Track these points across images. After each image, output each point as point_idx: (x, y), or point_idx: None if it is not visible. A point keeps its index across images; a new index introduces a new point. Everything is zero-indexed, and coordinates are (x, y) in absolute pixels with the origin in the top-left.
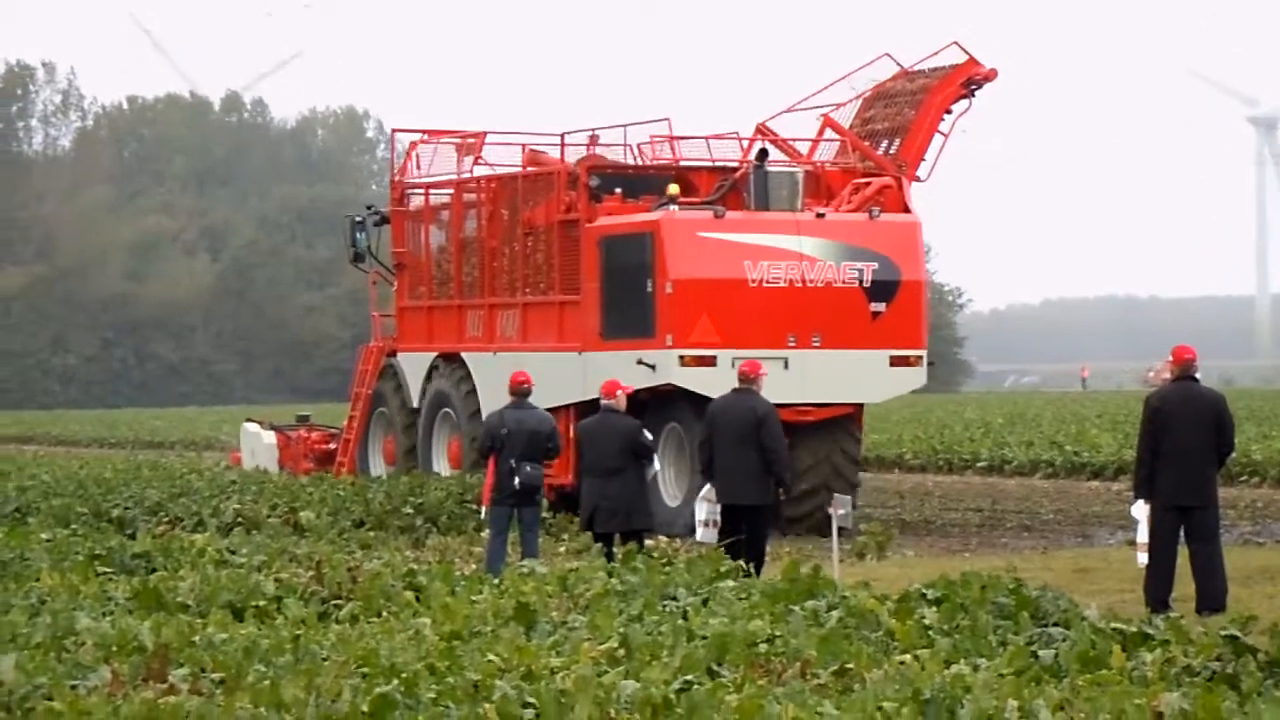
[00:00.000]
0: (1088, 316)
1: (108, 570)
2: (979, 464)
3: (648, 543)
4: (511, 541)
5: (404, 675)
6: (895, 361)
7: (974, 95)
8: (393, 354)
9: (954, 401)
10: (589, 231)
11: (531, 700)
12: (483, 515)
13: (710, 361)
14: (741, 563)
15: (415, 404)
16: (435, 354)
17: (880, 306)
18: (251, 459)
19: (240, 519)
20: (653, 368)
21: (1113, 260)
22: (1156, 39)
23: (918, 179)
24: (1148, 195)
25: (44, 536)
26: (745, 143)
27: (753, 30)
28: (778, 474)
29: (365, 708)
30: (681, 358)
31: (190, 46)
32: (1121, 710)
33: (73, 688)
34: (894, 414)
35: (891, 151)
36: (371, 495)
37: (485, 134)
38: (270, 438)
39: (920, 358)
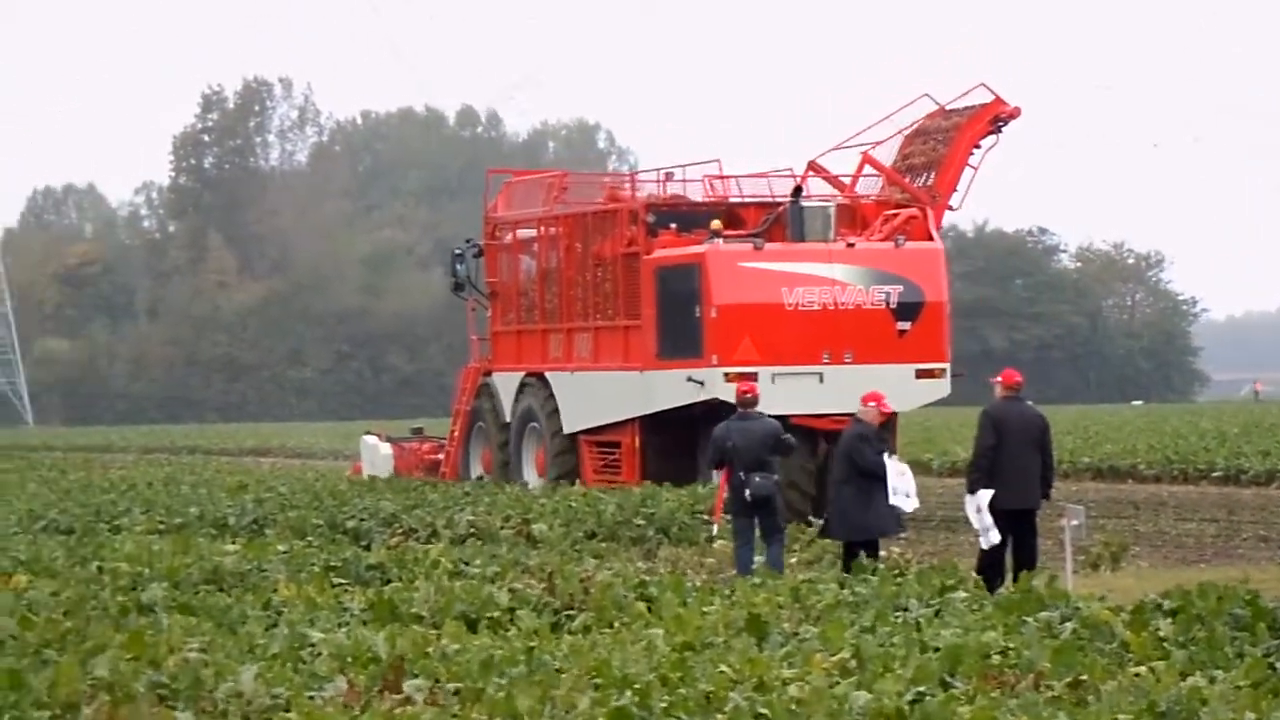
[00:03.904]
0: None
1: (343, 581)
2: (1214, 474)
3: (882, 553)
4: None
5: (636, 686)
6: (920, 374)
7: (1001, 131)
8: (488, 374)
9: (1189, 411)
10: (646, 263)
11: (764, 711)
12: (714, 530)
13: (752, 378)
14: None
15: (507, 419)
16: (524, 373)
17: (906, 325)
18: (371, 468)
19: (473, 530)
20: (701, 384)
21: None
22: None
23: (950, 208)
24: None
25: (280, 548)
26: (798, 178)
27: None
28: (1052, 477)
29: (600, 719)
30: (726, 374)
31: (421, 59)
32: None
33: (310, 698)
34: (1128, 424)
35: (928, 184)
36: (603, 507)
37: (567, 174)
38: (387, 449)
39: (943, 370)
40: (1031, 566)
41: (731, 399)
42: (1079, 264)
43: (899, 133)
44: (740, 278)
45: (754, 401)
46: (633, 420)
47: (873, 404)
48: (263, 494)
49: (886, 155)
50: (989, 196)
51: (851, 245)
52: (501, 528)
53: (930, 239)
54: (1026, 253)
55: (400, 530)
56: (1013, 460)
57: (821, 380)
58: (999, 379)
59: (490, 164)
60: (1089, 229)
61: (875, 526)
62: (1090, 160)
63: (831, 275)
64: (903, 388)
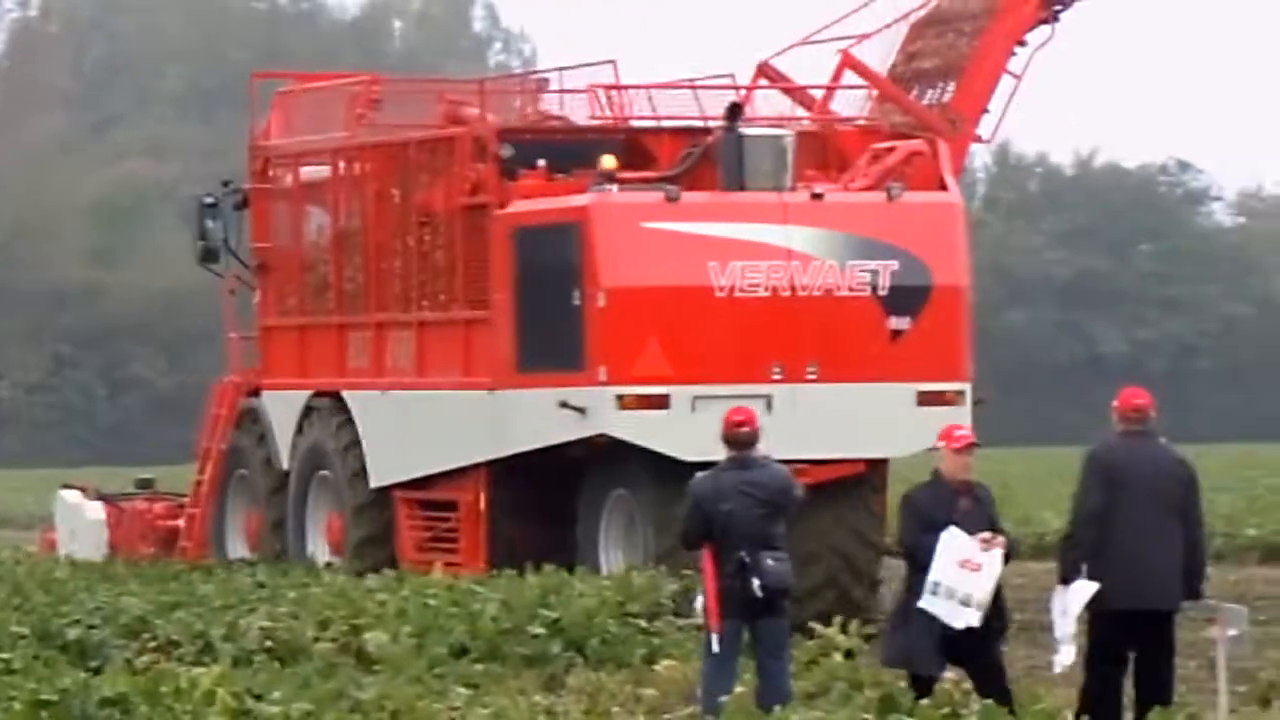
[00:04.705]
0: None
1: None
2: None
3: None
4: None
5: None
6: (925, 399)
7: (1057, 19)
8: (255, 393)
9: None
10: (500, 220)
11: None
12: (715, 646)
13: (660, 402)
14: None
15: (284, 464)
16: (310, 393)
17: (903, 323)
18: (71, 542)
19: (270, 643)
20: (581, 412)
21: None
22: None
23: (978, 139)
24: None
25: None
26: (740, 90)
27: None
28: (1202, 561)
29: None
30: (619, 398)
31: None
32: None
33: None
34: None
35: (943, 100)
36: (480, 606)
37: (378, 79)
38: (96, 512)
39: (961, 393)
40: (1165, 701)
41: (627, 436)
42: (1241, 219)
43: (900, 19)
44: (644, 246)
45: (753, 439)
46: (478, 467)
47: (941, 444)
48: None
49: (879, 55)
50: (1098, 116)
51: (819, 196)
52: (316, 639)
53: (943, 187)
54: (1157, 202)
55: (153, 644)
56: (1136, 533)
57: (770, 407)
58: (1115, 403)
59: (299, 51)
60: (1256, 165)
61: (902, 653)
62: (1252, 60)
63: (787, 243)
64: (899, 420)
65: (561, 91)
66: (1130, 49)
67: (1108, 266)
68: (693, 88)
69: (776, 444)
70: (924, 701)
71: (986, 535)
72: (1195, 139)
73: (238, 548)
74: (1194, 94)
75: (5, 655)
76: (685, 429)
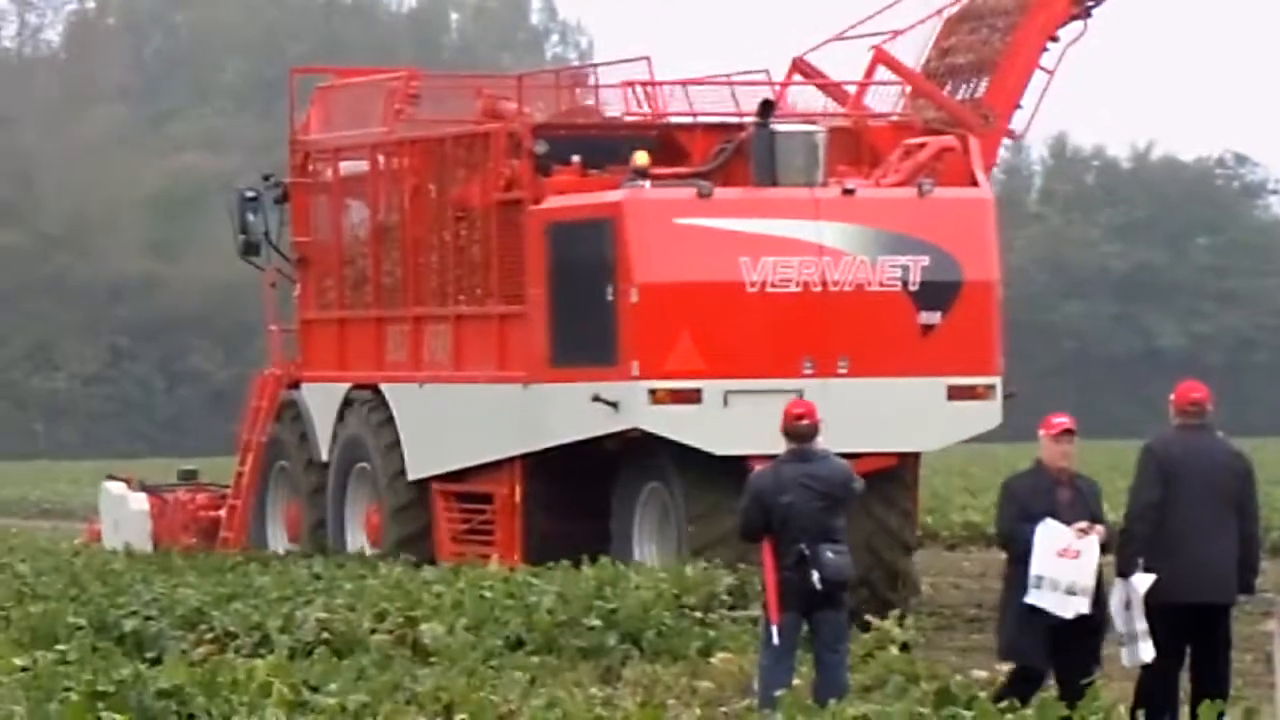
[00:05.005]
0: None
1: (119, 716)
2: None
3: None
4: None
5: None
6: (955, 393)
7: (1089, 15)
8: (295, 385)
9: None
10: (534, 216)
11: None
12: (774, 638)
13: (692, 397)
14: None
15: (324, 456)
16: (349, 386)
17: (933, 317)
18: (115, 532)
19: (327, 634)
20: (614, 406)
21: None
22: None
23: (1011, 134)
24: None
25: (17, 663)
26: (774, 86)
27: None
28: (1256, 555)
29: None
30: (652, 392)
31: None
32: None
33: None
34: None
35: (975, 96)
36: (536, 598)
37: (417, 75)
38: (140, 502)
39: (991, 388)
40: (1222, 695)
41: (660, 430)
42: None
43: (934, 14)
44: (676, 242)
45: (813, 432)
46: (513, 460)
47: (1042, 433)
48: None
49: (913, 51)
50: (1155, 109)
51: (850, 192)
52: (373, 631)
53: (974, 183)
54: (1214, 195)
55: (210, 635)
56: (1192, 527)
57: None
58: (1172, 397)
59: (356, 44)
60: None
61: (1008, 646)
62: None
63: (819, 239)
64: (928, 414)
65: (597, 87)
66: (1187, 42)
67: (1165, 259)
68: (727, 83)
69: None
70: (981, 694)
71: (1083, 525)
72: (1252, 132)
73: (278, 538)
74: (1251, 87)
75: (62, 646)
76: (717, 423)
